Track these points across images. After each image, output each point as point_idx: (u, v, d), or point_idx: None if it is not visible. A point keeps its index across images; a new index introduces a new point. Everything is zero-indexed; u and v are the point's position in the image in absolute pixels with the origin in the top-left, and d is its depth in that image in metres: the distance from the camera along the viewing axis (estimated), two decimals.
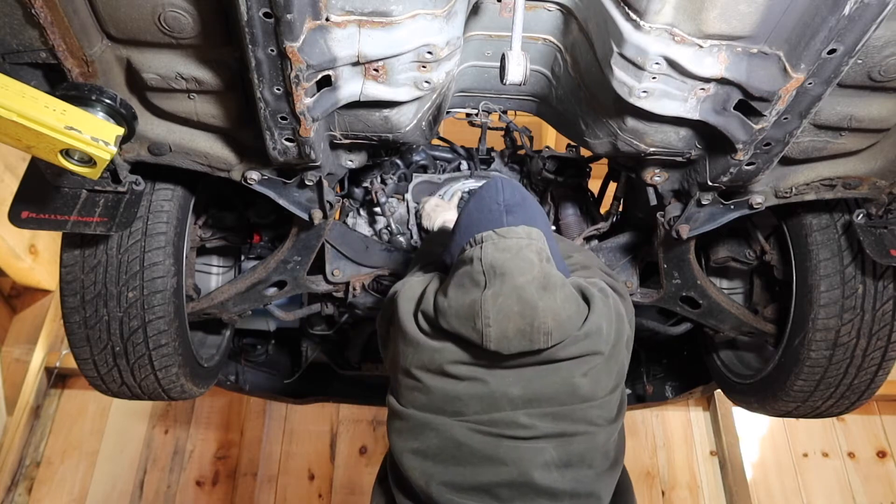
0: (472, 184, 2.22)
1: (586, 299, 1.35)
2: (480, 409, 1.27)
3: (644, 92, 1.35)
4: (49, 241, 3.77)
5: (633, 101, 1.37)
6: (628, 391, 3.03)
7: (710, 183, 1.58)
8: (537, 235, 1.33)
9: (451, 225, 2.00)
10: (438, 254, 1.63)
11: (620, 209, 2.30)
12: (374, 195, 2.18)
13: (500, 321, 1.23)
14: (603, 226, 2.20)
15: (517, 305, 1.23)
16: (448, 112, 1.98)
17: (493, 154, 2.30)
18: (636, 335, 2.81)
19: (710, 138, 1.50)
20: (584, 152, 2.27)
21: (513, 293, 1.23)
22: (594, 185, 2.43)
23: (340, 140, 1.58)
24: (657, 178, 1.74)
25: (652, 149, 1.56)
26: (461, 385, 1.29)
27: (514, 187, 1.47)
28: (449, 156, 2.37)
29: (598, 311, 1.33)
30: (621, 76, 1.34)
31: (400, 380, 1.37)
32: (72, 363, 2.43)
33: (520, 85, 1.27)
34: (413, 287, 1.45)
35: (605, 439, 1.32)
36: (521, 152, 2.33)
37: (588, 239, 2.21)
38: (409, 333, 1.36)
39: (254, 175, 1.60)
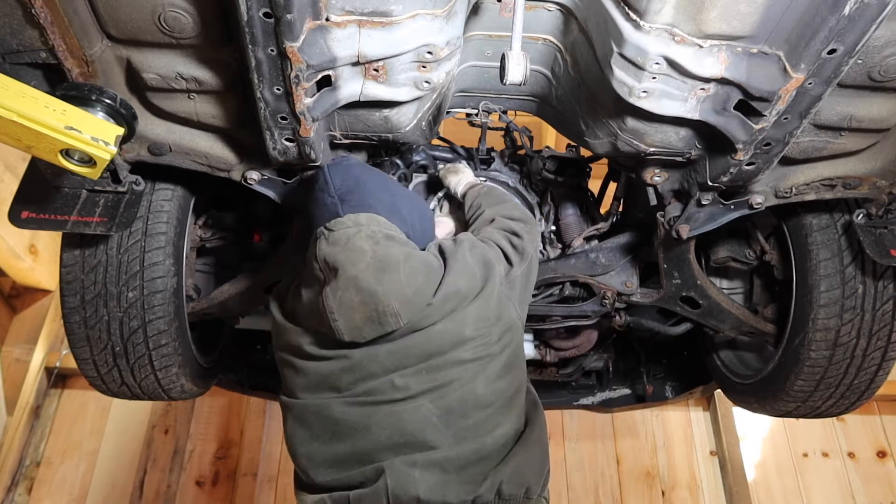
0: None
1: (445, 258, 1.39)
2: (354, 379, 1.30)
3: (644, 92, 1.35)
4: (49, 241, 3.77)
5: (633, 101, 1.37)
6: (628, 391, 3.03)
7: (710, 183, 1.58)
8: (367, 220, 1.34)
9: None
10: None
11: (620, 209, 2.30)
12: None
13: (344, 313, 1.26)
14: (603, 226, 2.20)
15: (357, 295, 1.25)
16: (448, 112, 1.98)
17: (493, 154, 2.30)
18: (636, 335, 2.83)
19: (710, 138, 1.50)
20: (584, 152, 2.27)
21: (349, 284, 1.26)
22: (594, 185, 2.43)
23: (340, 140, 1.58)
24: (657, 178, 1.74)
25: (652, 149, 1.56)
26: (331, 363, 1.32)
27: (344, 172, 1.44)
28: (449, 156, 2.36)
29: (454, 271, 1.36)
30: (621, 76, 1.34)
31: (282, 372, 1.43)
32: (72, 363, 2.42)
33: (520, 85, 1.27)
34: (280, 288, 1.53)
35: (485, 379, 1.33)
36: (521, 152, 2.33)
37: (588, 239, 2.20)
38: (278, 324, 1.43)
39: (254, 175, 1.60)
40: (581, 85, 1.58)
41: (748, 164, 1.47)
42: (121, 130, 1.25)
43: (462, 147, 2.34)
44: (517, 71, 1.24)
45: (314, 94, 1.31)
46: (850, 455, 3.83)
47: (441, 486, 1.24)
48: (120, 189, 1.58)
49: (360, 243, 1.29)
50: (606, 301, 2.13)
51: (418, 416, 1.27)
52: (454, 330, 1.32)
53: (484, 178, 2.25)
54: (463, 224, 1.88)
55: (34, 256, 3.67)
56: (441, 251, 1.44)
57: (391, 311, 1.26)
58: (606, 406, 3.07)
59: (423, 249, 1.47)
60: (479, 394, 1.32)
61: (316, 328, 1.33)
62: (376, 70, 1.32)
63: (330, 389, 1.32)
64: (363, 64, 1.30)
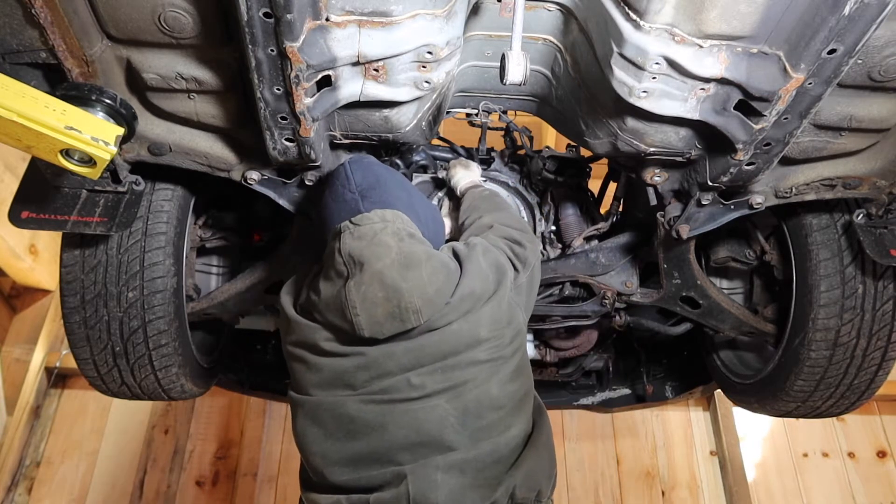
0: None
1: (460, 261, 1.40)
2: (369, 377, 1.30)
3: (644, 92, 1.35)
4: (49, 241, 3.77)
5: (633, 101, 1.37)
6: (628, 391, 3.03)
7: (710, 183, 1.58)
8: (392, 217, 1.35)
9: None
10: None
11: (620, 209, 2.30)
12: None
13: (367, 308, 1.26)
14: (603, 226, 2.20)
15: (381, 291, 1.26)
16: (448, 112, 1.98)
17: (493, 154, 2.30)
18: (636, 335, 2.82)
19: (711, 138, 1.50)
20: (584, 152, 2.27)
21: (374, 279, 1.26)
22: (594, 185, 2.43)
23: (340, 140, 1.58)
24: (657, 178, 1.74)
25: (652, 149, 1.56)
26: (347, 359, 1.31)
27: (364, 169, 1.45)
28: (449, 156, 2.36)
29: (470, 274, 1.37)
30: (621, 76, 1.34)
31: (293, 368, 1.41)
32: (72, 363, 2.42)
33: (520, 85, 1.27)
34: (292, 282, 1.52)
35: (498, 381, 1.33)
36: (521, 152, 2.33)
37: (588, 239, 2.20)
38: (291, 319, 1.41)
39: (254, 175, 1.60)
40: (581, 85, 1.58)
41: (748, 164, 1.47)
42: (121, 130, 1.25)
43: (462, 147, 2.34)
44: (517, 71, 1.24)
45: (314, 94, 1.31)
46: (850, 455, 3.83)
47: (460, 491, 1.24)
48: (120, 189, 1.58)
49: (385, 239, 1.30)
50: (606, 301, 2.13)
51: (435, 415, 1.27)
52: (469, 330, 1.32)
53: (484, 179, 2.25)
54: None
55: (34, 256, 3.67)
56: (455, 254, 1.44)
57: (413, 308, 1.26)
58: (606, 406, 3.07)
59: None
60: (493, 395, 1.32)
61: (333, 323, 1.32)
62: (376, 70, 1.32)
63: (344, 387, 1.31)
64: (363, 64, 1.30)
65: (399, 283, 1.26)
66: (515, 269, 1.53)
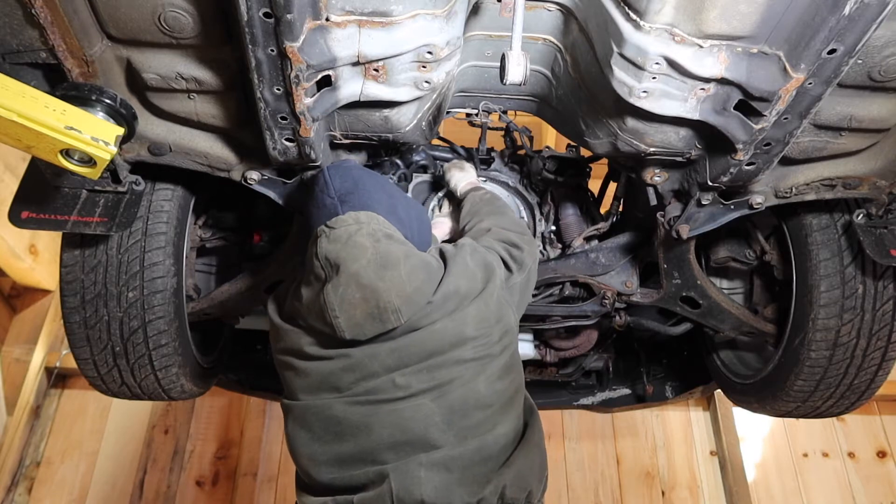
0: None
1: (445, 260, 1.40)
2: (355, 379, 1.30)
3: (644, 92, 1.35)
4: (49, 241, 3.77)
5: (633, 101, 1.37)
6: (628, 391, 3.04)
7: (710, 183, 1.58)
8: (367, 218, 1.35)
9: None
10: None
11: (620, 209, 2.30)
12: None
13: (345, 310, 1.26)
14: (603, 226, 2.20)
15: (358, 291, 1.26)
16: (448, 112, 1.98)
17: (493, 154, 2.30)
18: (636, 335, 2.83)
19: (711, 138, 1.50)
20: (584, 152, 2.27)
21: (351, 281, 1.27)
22: (594, 185, 2.43)
23: (340, 140, 1.58)
24: (657, 178, 1.74)
25: (652, 149, 1.56)
26: (332, 362, 1.32)
27: (343, 174, 1.45)
28: (449, 156, 2.36)
29: (454, 272, 1.37)
30: (621, 76, 1.34)
31: (283, 375, 1.42)
32: (72, 363, 2.42)
33: (520, 85, 1.26)
34: (278, 292, 1.53)
35: (485, 379, 1.34)
36: (521, 152, 2.33)
37: (588, 239, 2.21)
38: (277, 326, 1.42)
39: (254, 175, 1.60)
40: (581, 85, 1.58)
41: (748, 164, 1.47)
42: (121, 130, 1.25)
43: (462, 147, 2.34)
44: (517, 71, 1.24)
45: (314, 94, 1.31)
46: (850, 455, 3.83)
47: (446, 488, 1.24)
48: (120, 189, 1.58)
49: (360, 240, 1.30)
50: (606, 301, 2.13)
51: (420, 414, 1.27)
52: (454, 329, 1.32)
53: (484, 179, 2.25)
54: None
55: (34, 256, 3.67)
56: (441, 254, 1.45)
57: (392, 308, 1.26)
58: (606, 406, 3.07)
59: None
60: (480, 393, 1.32)
61: (316, 328, 1.33)
62: (376, 70, 1.32)
63: (331, 390, 1.32)
64: (363, 64, 1.30)
65: (376, 282, 1.26)
66: (509, 269, 1.53)
